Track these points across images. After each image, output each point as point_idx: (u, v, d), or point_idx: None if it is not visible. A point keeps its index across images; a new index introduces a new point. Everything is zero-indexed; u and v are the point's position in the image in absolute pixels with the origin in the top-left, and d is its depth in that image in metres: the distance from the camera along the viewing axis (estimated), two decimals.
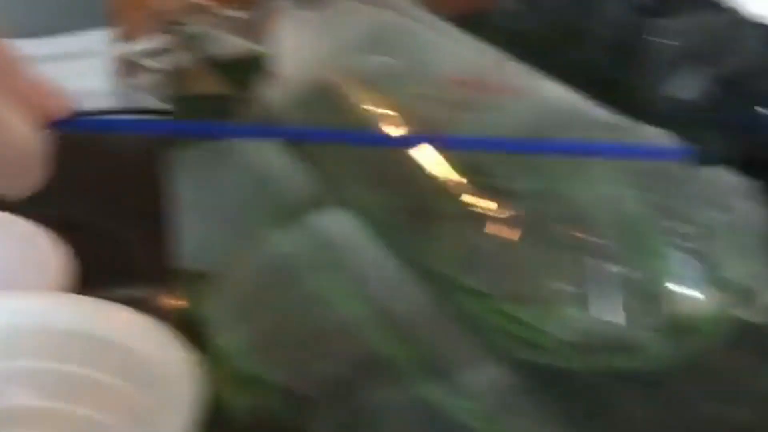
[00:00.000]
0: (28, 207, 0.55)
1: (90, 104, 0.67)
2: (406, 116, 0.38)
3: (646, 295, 0.36)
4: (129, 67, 0.76)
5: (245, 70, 0.48)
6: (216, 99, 0.51)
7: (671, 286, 0.34)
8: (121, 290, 0.48)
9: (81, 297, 0.49)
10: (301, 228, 0.45)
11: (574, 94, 0.38)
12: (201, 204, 0.49)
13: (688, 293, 0.33)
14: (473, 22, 0.48)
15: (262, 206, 0.46)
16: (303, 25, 0.44)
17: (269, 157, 0.45)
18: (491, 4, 0.50)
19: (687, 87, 0.46)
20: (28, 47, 0.61)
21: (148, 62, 0.76)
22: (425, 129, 0.37)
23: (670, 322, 0.35)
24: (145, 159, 0.57)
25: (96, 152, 0.68)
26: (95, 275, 0.50)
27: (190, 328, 0.47)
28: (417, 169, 0.38)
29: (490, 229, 0.36)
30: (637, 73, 0.46)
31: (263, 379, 0.44)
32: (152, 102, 0.71)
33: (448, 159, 0.38)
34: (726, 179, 0.38)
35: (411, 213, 0.39)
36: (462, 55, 0.40)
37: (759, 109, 0.43)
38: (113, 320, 0.47)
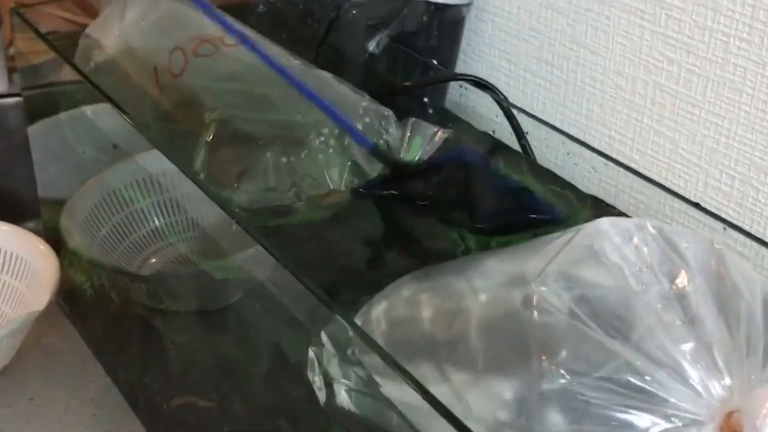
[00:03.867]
0: None
1: None
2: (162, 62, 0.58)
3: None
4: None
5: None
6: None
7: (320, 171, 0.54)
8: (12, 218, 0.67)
9: None
10: (123, 165, 0.65)
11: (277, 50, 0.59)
12: (54, 155, 0.69)
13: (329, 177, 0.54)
14: (239, 9, 0.69)
15: (97, 152, 0.66)
16: (114, 7, 0.64)
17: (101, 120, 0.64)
18: None
19: (373, 43, 0.67)
20: None
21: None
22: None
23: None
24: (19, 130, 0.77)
25: None
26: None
27: (52, 237, 0.67)
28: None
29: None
30: (341, 37, 0.67)
31: (99, 264, 0.64)
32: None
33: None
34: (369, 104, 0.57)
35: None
36: (211, 25, 0.60)
37: None
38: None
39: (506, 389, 0.32)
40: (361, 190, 0.53)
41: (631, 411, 0.31)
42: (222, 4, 0.67)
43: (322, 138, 0.54)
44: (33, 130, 0.69)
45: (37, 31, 0.64)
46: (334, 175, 0.54)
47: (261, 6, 0.69)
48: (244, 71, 0.56)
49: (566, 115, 0.65)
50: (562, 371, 0.31)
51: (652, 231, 0.36)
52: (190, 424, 0.56)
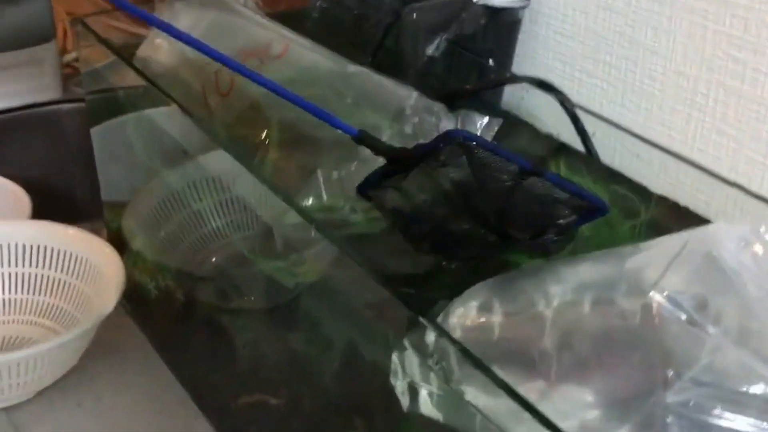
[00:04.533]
0: (2, 167, 0.76)
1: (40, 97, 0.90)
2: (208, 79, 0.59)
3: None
4: (70, 69, 0.97)
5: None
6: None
7: None
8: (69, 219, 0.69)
9: (37, 221, 0.69)
10: (184, 167, 0.66)
11: (331, 57, 0.60)
12: (116, 157, 0.70)
13: None
14: (294, 15, 0.70)
15: (158, 154, 0.67)
16: (170, 17, 0.65)
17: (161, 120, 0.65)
18: (305, 3, 0.71)
19: (431, 46, 0.67)
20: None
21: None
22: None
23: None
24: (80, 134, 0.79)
25: (42, 130, 0.91)
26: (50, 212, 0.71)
27: (115, 238, 0.69)
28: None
29: None
30: (399, 41, 0.67)
31: (162, 265, 0.66)
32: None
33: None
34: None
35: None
36: (257, 35, 0.61)
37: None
38: (63, 235, 0.68)
39: (619, 400, 0.31)
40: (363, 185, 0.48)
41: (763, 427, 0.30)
42: (276, 11, 0.68)
43: None
44: (95, 131, 0.71)
45: (102, 40, 0.65)
46: None
47: (315, 12, 0.70)
48: (296, 78, 0.57)
49: (624, 115, 0.66)
50: (689, 383, 0.30)
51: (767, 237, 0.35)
52: (259, 421, 0.57)
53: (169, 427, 0.61)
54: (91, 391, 0.64)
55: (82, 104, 0.94)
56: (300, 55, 0.56)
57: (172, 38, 0.59)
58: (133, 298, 0.67)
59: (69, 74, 0.95)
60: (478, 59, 0.64)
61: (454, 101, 0.60)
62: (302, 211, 0.47)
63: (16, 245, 0.66)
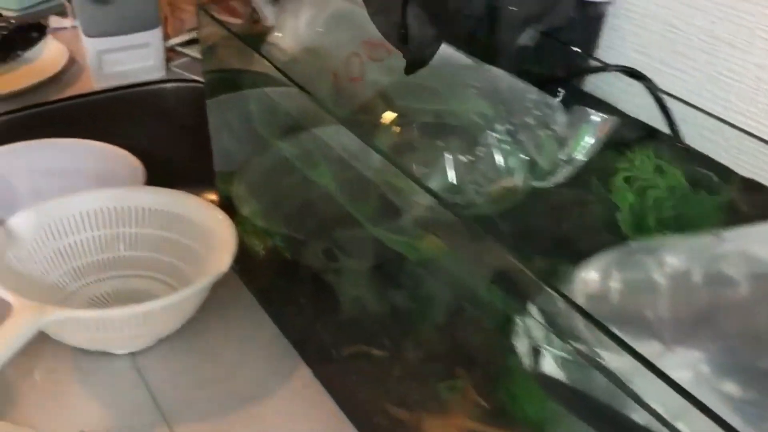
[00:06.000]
0: (116, 139, 0.84)
1: (147, 76, 0.98)
2: (340, 66, 0.65)
3: (481, 174, 0.61)
4: (171, 53, 1.05)
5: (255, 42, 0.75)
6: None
7: (496, 167, 0.59)
8: (183, 186, 0.76)
9: (157, 188, 0.76)
10: (293, 138, 0.72)
11: (449, 49, 0.65)
12: (229, 129, 0.77)
13: (505, 172, 0.58)
14: None
15: (268, 126, 0.73)
16: (291, 8, 0.71)
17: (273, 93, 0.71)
18: None
19: (525, 37, 0.73)
20: (107, 42, 0.94)
21: (183, 50, 1.06)
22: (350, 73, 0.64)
23: (492, 191, 0.60)
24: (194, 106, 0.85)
25: (149, 106, 0.98)
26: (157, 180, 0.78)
27: (226, 205, 0.75)
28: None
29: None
30: (494, 32, 0.73)
31: (271, 230, 0.72)
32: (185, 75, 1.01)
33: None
34: (537, 96, 0.64)
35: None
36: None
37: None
38: (180, 200, 0.75)
39: (729, 363, 0.34)
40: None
41: None
42: None
43: (496, 134, 0.60)
44: (211, 103, 0.77)
45: (224, 26, 0.72)
46: (509, 170, 0.59)
47: None
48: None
49: (701, 104, 0.70)
50: None
51: None
52: (360, 370, 0.63)
53: (273, 373, 0.68)
54: (205, 340, 0.70)
55: (183, 84, 1.02)
56: None
57: (295, 20, 0.66)
58: (240, 258, 0.73)
59: (170, 57, 1.04)
60: (570, 48, 0.69)
61: (545, 87, 0.66)
62: (430, 190, 0.51)
63: (139, 209, 0.74)
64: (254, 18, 0.78)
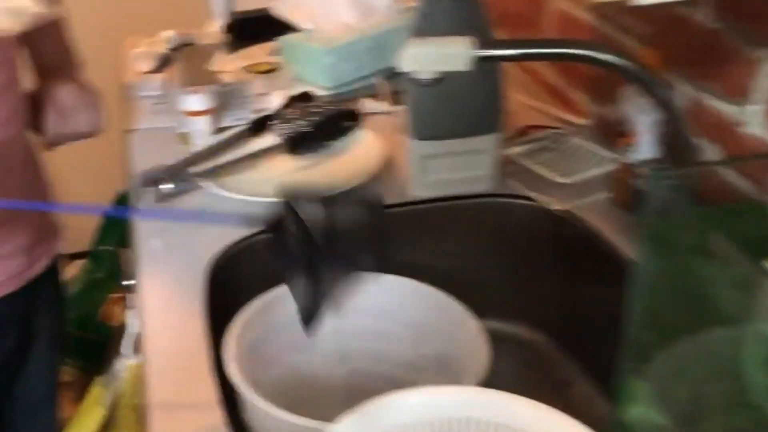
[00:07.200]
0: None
1: (474, 188, 0.80)
2: None
3: None
4: (507, 163, 0.86)
5: None
6: None
7: None
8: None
9: (497, 392, 0.53)
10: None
11: None
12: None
13: None
14: None
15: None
16: None
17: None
18: None
19: None
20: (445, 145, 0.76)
21: (526, 161, 0.86)
22: None
23: None
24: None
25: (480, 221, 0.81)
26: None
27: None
28: None
29: None
30: None
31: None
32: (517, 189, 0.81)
33: None
34: None
35: None
36: None
37: None
38: (527, 414, 0.51)
39: None
40: None
41: None
42: None
43: None
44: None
45: None
46: None
47: None
48: None
49: None
50: None
51: None
52: None
53: None
54: None
55: (511, 200, 0.83)
56: None
57: None
58: None
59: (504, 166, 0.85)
60: None
61: None
62: None
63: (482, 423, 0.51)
64: None
